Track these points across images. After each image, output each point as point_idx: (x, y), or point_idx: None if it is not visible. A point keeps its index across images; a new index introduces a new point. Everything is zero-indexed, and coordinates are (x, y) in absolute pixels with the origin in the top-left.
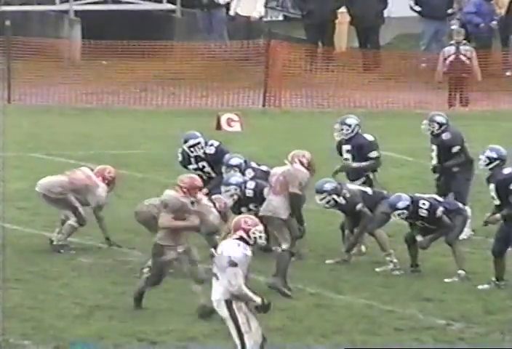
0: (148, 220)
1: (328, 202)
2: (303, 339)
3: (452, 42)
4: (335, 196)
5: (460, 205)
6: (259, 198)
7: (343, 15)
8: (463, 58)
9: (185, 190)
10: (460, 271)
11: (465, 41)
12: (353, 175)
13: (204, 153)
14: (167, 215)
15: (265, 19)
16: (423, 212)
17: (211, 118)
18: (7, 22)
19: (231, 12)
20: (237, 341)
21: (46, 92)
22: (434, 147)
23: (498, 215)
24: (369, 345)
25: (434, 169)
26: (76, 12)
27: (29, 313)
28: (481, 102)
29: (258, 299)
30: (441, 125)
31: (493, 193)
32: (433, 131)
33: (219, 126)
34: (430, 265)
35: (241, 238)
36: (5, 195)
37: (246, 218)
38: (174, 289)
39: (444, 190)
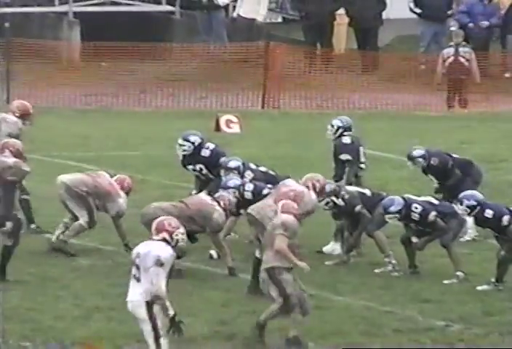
0: (152, 223)
1: (327, 204)
2: (302, 340)
3: (451, 44)
4: (334, 198)
5: (456, 208)
6: (257, 200)
7: (342, 17)
8: (462, 60)
9: (298, 216)
10: (459, 273)
11: (464, 43)
12: (337, 176)
13: (200, 155)
14: (285, 239)
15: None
16: (415, 216)
17: (210, 119)
18: (6, 24)
19: (234, 14)
20: (153, 345)
21: (45, 94)
22: (430, 176)
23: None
24: (369, 346)
25: (437, 190)
26: (75, 14)
27: (28, 315)
28: (480, 103)
29: (171, 311)
30: (424, 157)
31: (496, 234)
32: (422, 166)
33: (218, 128)
34: (429, 267)
35: (163, 240)
36: None
37: (169, 220)
38: (173, 290)
39: (454, 195)
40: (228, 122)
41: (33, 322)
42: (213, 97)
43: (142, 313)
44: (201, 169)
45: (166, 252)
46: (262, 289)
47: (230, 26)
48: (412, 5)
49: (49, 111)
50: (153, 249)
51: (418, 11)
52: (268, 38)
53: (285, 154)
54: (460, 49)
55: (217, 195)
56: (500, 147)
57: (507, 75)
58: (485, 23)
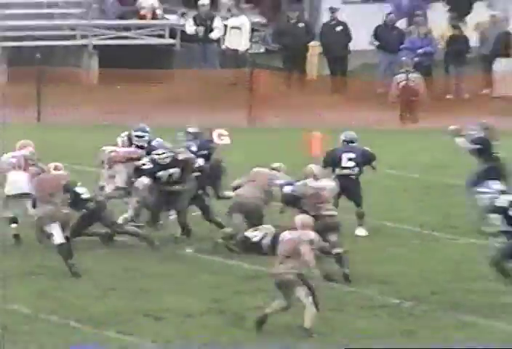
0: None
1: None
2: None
3: (402, 70)
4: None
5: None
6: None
7: (314, 48)
8: (412, 84)
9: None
10: None
11: (413, 70)
12: None
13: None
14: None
15: (249, 51)
16: None
17: (204, 132)
18: (38, 55)
19: (223, 46)
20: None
21: (70, 112)
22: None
23: None
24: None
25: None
26: (94, 46)
27: (54, 293)
28: (427, 119)
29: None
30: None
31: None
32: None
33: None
34: (387, 254)
35: None
36: None
37: None
38: (177, 273)
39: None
40: (220, 135)
41: (59, 299)
42: (207, 114)
43: None
44: (171, 175)
45: None
46: None
47: (221, 56)
48: (372, 38)
49: (72, 127)
50: None
51: (377, 43)
52: (253, 66)
53: (266, 163)
54: (410, 75)
55: None
56: (444, 155)
57: (448, 96)
58: (420, 51)
